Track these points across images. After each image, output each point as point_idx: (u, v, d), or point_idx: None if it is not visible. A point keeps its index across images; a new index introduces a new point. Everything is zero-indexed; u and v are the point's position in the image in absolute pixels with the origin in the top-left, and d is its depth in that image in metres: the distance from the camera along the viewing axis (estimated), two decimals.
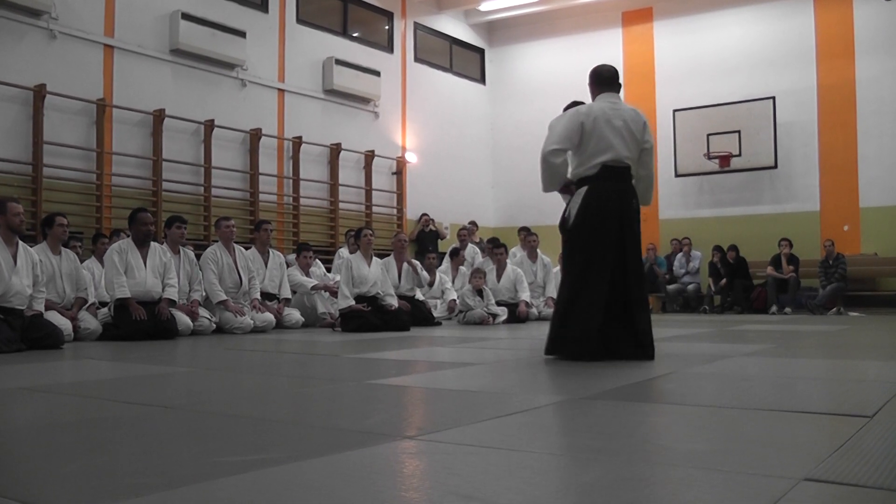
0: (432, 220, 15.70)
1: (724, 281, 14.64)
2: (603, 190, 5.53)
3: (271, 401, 3.85)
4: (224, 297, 9.27)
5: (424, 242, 15.02)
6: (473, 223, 15.58)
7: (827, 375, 4.77)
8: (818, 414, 3.20)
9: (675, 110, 16.27)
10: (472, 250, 13.79)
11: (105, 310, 8.40)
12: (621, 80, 5.97)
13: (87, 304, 8.29)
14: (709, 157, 15.79)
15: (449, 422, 3.06)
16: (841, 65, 15.33)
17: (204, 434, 2.92)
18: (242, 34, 12.95)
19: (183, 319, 8.58)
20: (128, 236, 8.64)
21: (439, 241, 15.51)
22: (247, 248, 10.06)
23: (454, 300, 11.43)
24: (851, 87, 15.24)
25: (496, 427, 2.94)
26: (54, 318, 7.47)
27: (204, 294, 9.23)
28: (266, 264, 10.14)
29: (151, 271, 8.35)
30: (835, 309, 13.51)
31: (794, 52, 15.71)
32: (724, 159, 15.70)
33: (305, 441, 2.75)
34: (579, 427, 2.97)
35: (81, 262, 8.66)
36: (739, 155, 15.62)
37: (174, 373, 5.20)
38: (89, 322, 8.10)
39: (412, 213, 16.17)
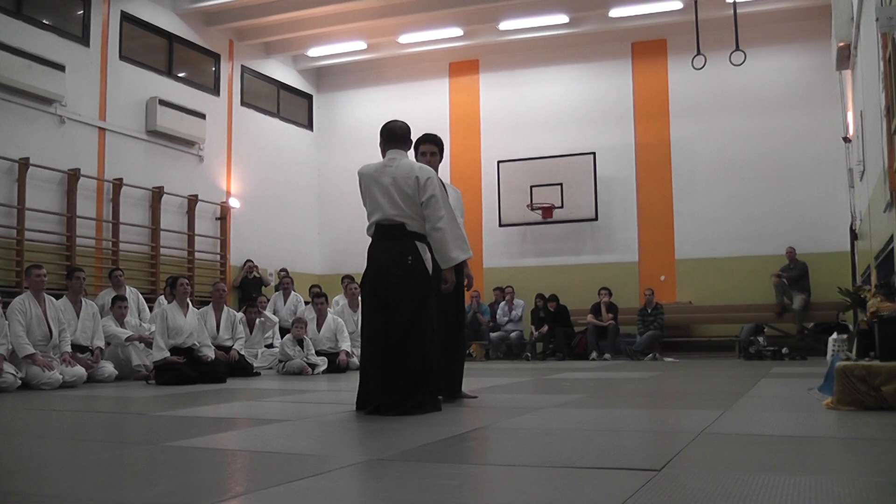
0: (256, 266, 15.43)
1: (545, 328, 15.05)
2: (373, 250, 5.69)
3: (52, 471, 3.67)
4: (32, 350, 8.74)
5: (248, 289, 14.80)
6: (284, 270, 15.48)
7: (628, 426, 4.93)
8: (609, 469, 3.27)
9: (499, 161, 16.60)
10: (294, 298, 13.67)
11: None
12: (415, 136, 6.19)
13: None
14: (532, 208, 16.18)
15: (237, 489, 3.00)
16: (657, 125, 16.15)
17: None
18: (62, 67, 12.36)
19: None
20: None
21: (263, 287, 15.31)
22: (58, 298, 9.66)
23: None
24: (667, 146, 16.07)
25: (283, 495, 2.88)
26: None
27: (10, 347, 8.77)
28: (78, 315, 9.70)
29: None
30: (651, 354, 14.10)
31: (614, 110, 16.43)
32: (547, 210, 16.14)
33: None
34: (368, 493, 2.96)
35: None
36: (562, 207, 16.09)
37: None
38: None
39: (236, 259, 15.80)
